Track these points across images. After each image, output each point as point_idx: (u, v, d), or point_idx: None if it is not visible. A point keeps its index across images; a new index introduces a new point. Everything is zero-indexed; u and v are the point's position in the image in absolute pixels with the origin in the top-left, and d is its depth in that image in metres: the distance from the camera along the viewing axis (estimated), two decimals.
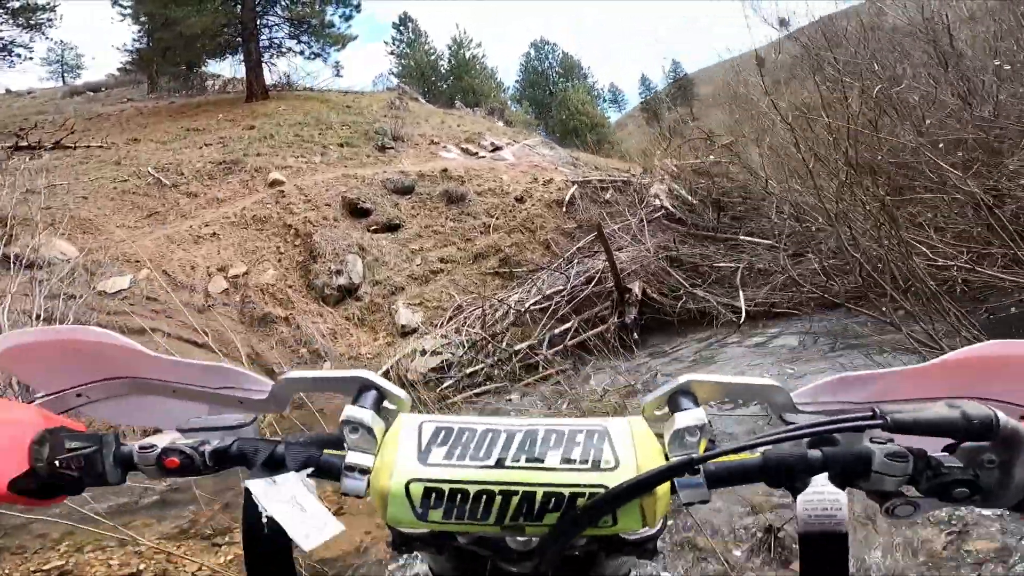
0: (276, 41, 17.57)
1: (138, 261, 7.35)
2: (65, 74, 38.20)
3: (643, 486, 0.36)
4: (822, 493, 0.41)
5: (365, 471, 0.40)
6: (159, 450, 0.42)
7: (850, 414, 0.37)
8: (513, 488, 0.37)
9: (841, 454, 0.39)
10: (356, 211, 8.96)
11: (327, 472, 0.42)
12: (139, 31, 19.31)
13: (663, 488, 0.38)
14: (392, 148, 12.81)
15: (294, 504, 0.39)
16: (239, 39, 16.80)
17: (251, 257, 7.80)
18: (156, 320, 6.41)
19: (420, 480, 0.38)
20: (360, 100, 17.13)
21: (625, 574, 0.49)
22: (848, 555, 0.41)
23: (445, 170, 10.41)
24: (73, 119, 14.94)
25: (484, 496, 0.37)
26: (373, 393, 0.43)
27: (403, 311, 7.21)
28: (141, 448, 0.43)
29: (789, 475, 0.40)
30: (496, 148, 14.02)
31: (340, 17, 17.73)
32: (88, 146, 13.14)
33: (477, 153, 13.45)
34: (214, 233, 8.17)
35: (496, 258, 8.14)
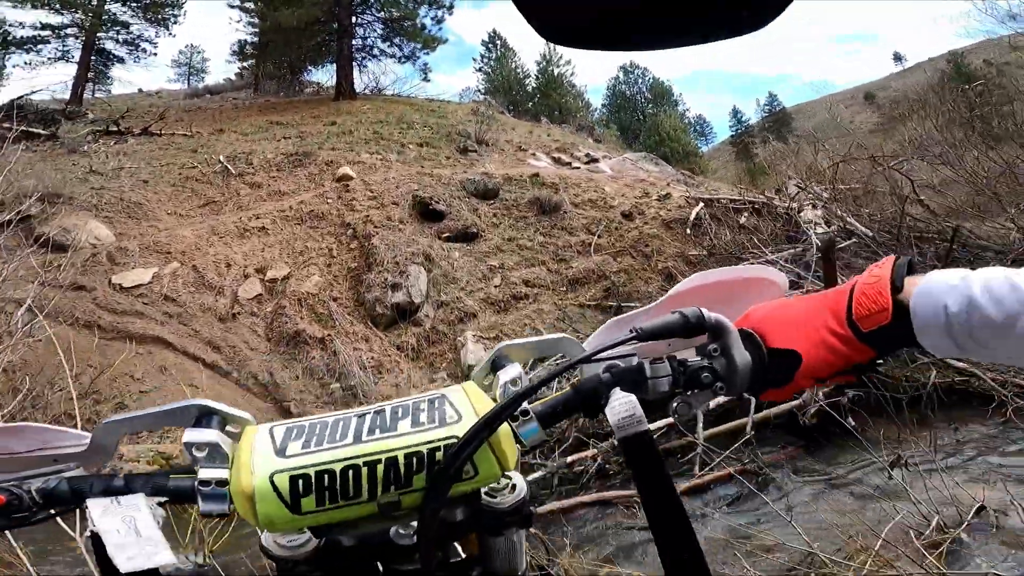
0: (369, 43, 17.14)
1: (169, 252, 6.16)
2: (191, 77, 41.48)
3: (489, 424, 0.40)
4: (619, 399, 0.46)
5: (222, 483, 0.38)
6: None
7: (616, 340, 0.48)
8: (375, 457, 0.39)
9: (623, 370, 0.49)
10: (427, 213, 7.40)
11: (180, 496, 0.40)
12: (250, 32, 19.78)
13: (506, 433, 0.42)
14: (475, 151, 11.36)
15: (130, 526, 0.36)
16: (334, 41, 16.50)
17: (297, 259, 6.41)
18: (165, 327, 5.06)
19: (283, 471, 0.37)
20: (446, 106, 16.21)
21: (510, 549, 0.49)
22: (656, 446, 0.45)
23: (536, 175, 8.69)
24: (168, 109, 15.02)
25: (351, 471, 0.38)
26: (215, 418, 0.42)
27: (472, 346, 5.42)
28: None
29: (596, 396, 0.48)
30: (592, 160, 12.19)
31: (431, 20, 17.05)
32: (173, 134, 12.89)
33: (570, 163, 11.69)
34: (262, 227, 6.90)
35: (599, 286, 6.18)
